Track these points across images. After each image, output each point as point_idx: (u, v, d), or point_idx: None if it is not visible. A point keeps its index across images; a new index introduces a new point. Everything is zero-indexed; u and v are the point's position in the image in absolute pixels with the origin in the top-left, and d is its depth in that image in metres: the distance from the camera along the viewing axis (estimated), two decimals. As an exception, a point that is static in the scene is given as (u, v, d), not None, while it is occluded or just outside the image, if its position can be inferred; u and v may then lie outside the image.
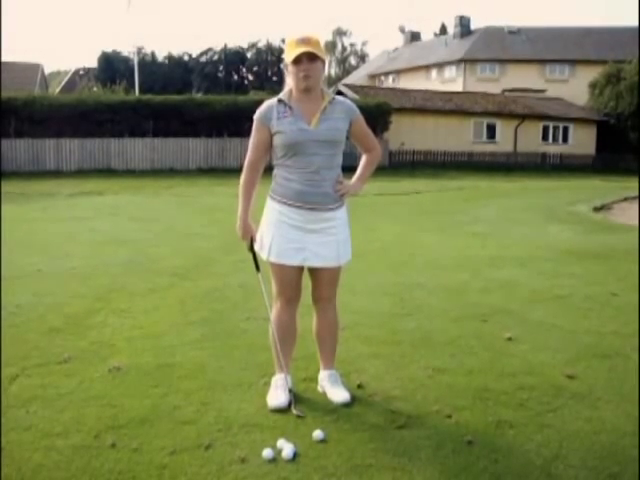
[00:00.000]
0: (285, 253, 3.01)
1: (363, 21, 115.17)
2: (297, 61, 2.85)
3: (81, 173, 20.41)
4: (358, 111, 3.08)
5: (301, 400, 3.15)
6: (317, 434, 2.76)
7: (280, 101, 2.97)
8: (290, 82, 2.97)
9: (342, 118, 3.00)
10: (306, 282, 3.20)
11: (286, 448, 2.62)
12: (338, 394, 3.15)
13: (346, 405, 3.10)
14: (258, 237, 3.10)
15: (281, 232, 3.01)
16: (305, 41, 2.85)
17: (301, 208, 2.97)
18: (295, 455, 2.61)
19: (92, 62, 61.01)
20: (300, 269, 3.10)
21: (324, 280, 3.13)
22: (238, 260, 6.77)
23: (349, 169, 3.19)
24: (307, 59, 2.85)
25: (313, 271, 3.12)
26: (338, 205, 3.06)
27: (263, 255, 3.08)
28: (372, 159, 3.22)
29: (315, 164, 2.94)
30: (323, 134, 2.92)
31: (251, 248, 3.15)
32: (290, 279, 3.08)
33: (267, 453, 2.60)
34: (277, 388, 3.14)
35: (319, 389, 3.28)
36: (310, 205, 2.97)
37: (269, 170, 3.13)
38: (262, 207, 3.14)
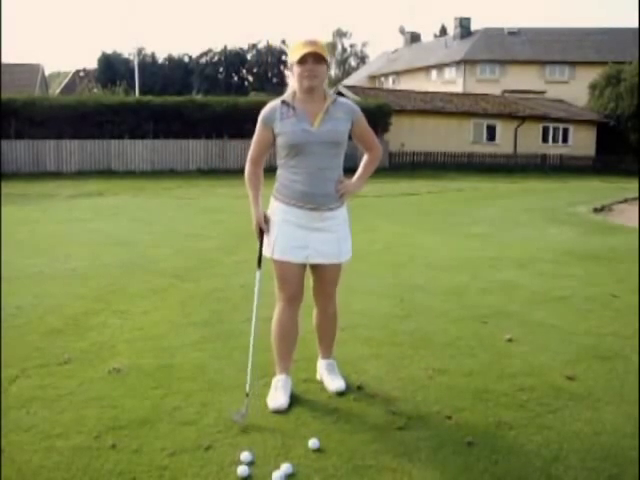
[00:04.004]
0: (289, 251, 3.05)
1: (363, 22, 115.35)
2: (303, 61, 2.91)
3: (81, 174, 20.40)
4: (360, 111, 3.13)
5: (301, 401, 3.16)
6: (313, 442, 2.70)
7: (284, 102, 3.02)
8: (294, 83, 3.01)
9: (344, 119, 3.05)
10: (306, 283, 3.21)
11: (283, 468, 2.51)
12: (334, 383, 3.27)
13: (341, 394, 3.21)
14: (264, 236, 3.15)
15: (285, 231, 3.05)
16: (312, 43, 2.92)
17: (304, 208, 3.03)
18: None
19: (92, 63, 61.18)
20: (303, 267, 3.14)
21: (325, 277, 3.20)
22: (238, 261, 6.77)
23: (350, 171, 3.21)
24: (313, 60, 2.91)
25: (315, 268, 3.18)
26: (339, 204, 3.12)
27: (267, 253, 3.12)
28: (373, 158, 3.27)
29: (317, 164, 2.99)
30: (325, 135, 2.97)
31: (261, 239, 3.15)
32: (292, 276, 3.11)
33: (242, 470, 2.49)
34: (277, 390, 3.15)
35: (317, 377, 3.40)
36: (313, 205, 3.02)
37: (272, 171, 3.15)
38: (264, 207, 3.16)
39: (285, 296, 3.15)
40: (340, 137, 3.02)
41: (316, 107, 3.00)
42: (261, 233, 3.14)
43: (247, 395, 3.03)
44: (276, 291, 3.19)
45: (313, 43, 2.92)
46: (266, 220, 3.11)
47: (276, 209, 3.10)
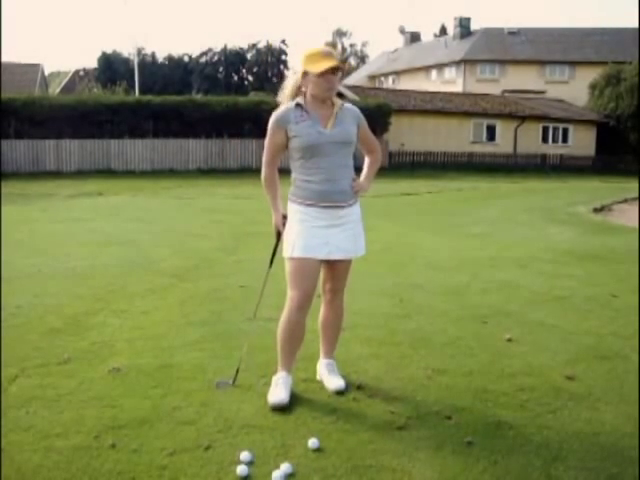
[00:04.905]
0: (312, 248, 3.11)
1: (363, 22, 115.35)
2: (324, 73, 3.03)
3: (81, 174, 20.41)
4: (363, 116, 3.30)
5: (301, 401, 3.16)
6: (312, 442, 2.70)
7: (298, 105, 3.12)
8: (307, 89, 3.10)
9: (351, 122, 3.21)
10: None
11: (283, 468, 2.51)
12: (333, 382, 3.30)
13: (340, 393, 3.22)
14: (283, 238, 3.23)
15: (306, 229, 3.12)
16: (330, 55, 3.07)
17: (322, 207, 3.12)
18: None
19: (92, 63, 61.00)
20: (320, 264, 3.19)
21: (338, 272, 3.28)
22: (238, 261, 6.78)
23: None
24: (332, 73, 3.04)
25: (329, 263, 3.24)
26: (353, 201, 3.24)
27: (286, 254, 3.16)
28: (375, 159, 3.43)
29: (332, 163, 3.11)
30: (338, 135, 3.12)
31: (278, 239, 3.26)
32: (310, 273, 3.15)
33: (241, 470, 2.49)
34: (277, 385, 3.16)
35: (317, 377, 3.41)
36: (330, 203, 3.13)
37: (287, 172, 3.22)
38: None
39: (298, 295, 3.14)
40: (350, 137, 3.18)
41: (326, 112, 3.14)
42: (279, 234, 3.25)
43: (237, 371, 3.33)
44: (288, 292, 3.19)
45: (331, 55, 3.06)
46: (284, 222, 3.21)
47: (294, 211, 3.17)
